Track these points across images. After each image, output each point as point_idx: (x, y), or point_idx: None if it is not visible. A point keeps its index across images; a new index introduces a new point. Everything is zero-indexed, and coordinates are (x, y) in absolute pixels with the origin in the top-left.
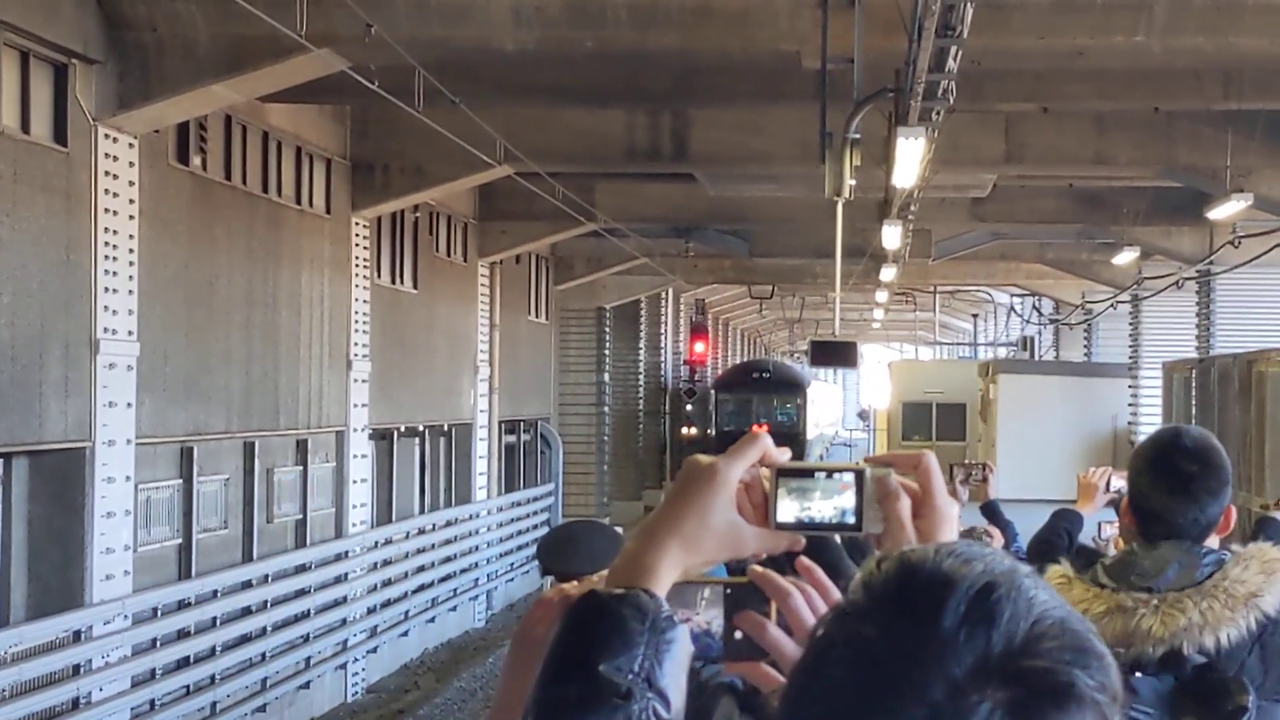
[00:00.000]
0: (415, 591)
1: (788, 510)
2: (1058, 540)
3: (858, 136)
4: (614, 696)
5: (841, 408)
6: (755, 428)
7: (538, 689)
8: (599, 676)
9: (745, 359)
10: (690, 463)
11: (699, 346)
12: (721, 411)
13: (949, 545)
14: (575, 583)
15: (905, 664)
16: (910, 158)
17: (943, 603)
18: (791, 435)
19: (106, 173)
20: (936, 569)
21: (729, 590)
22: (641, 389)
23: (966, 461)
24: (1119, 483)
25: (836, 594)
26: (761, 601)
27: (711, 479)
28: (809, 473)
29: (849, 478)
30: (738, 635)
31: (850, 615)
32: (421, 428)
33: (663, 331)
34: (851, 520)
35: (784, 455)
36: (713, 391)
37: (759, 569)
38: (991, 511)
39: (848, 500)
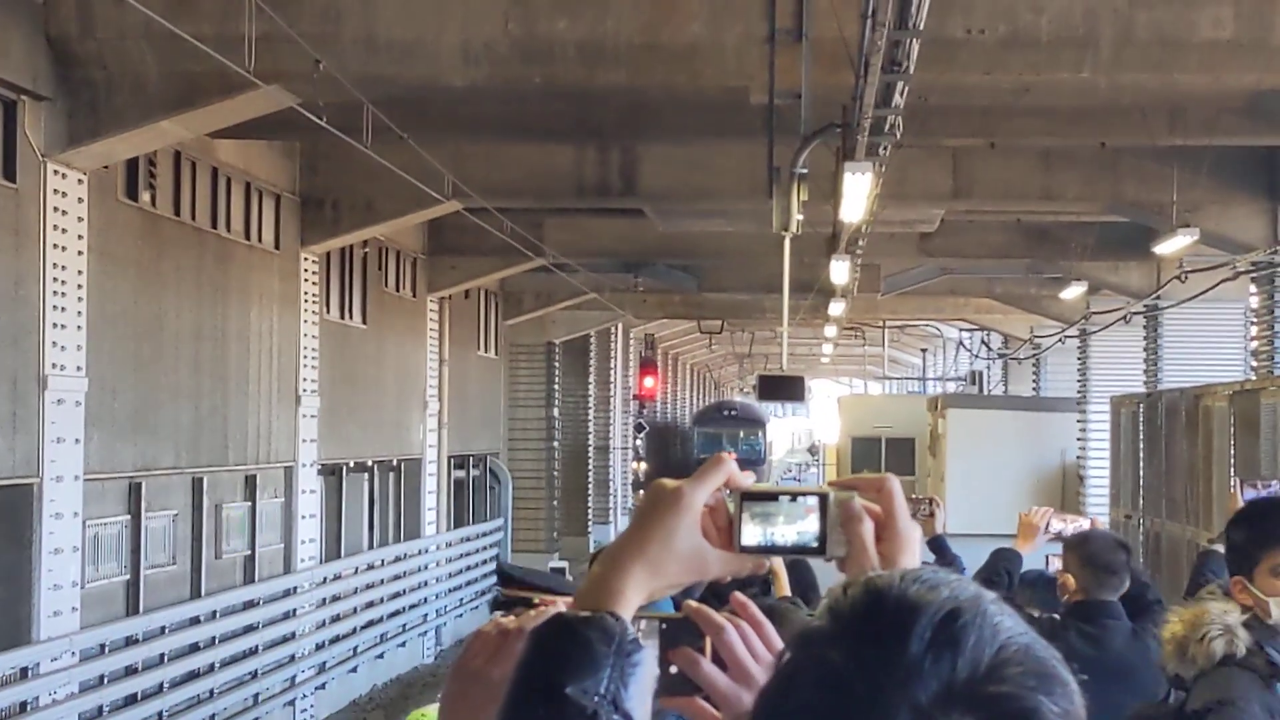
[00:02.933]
0: (364, 627)
1: (752, 534)
2: (998, 579)
3: (805, 171)
4: (580, 718)
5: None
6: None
7: (505, 711)
8: (566, 699)
9: (715, 398)
10: (655, 486)
11: (649, 381)
12: (697, 443)
13: (914, 571)
14: (512, 616)
15: (871, 690)
16: (858, 192)
17: (908, 629)
18: (756, 462)
19: (55, 208)
20: (903, 595)
21: (664, 625)
22: (591, 424)
23: (914, 496)
24: (1059, 524)
25: (771, 629)
26: (696, 637)
27: (676, 503)
28: (773, 496)
29: (813, 501)
30: (672, 670)
31: (817, 640)
32: (370, 463)
33: (612, 367)
34: (815, 544)
35: (747, 479)
36: (692, 426)
37: (694, 604)
38: (939, 547)
39: (811, 524)
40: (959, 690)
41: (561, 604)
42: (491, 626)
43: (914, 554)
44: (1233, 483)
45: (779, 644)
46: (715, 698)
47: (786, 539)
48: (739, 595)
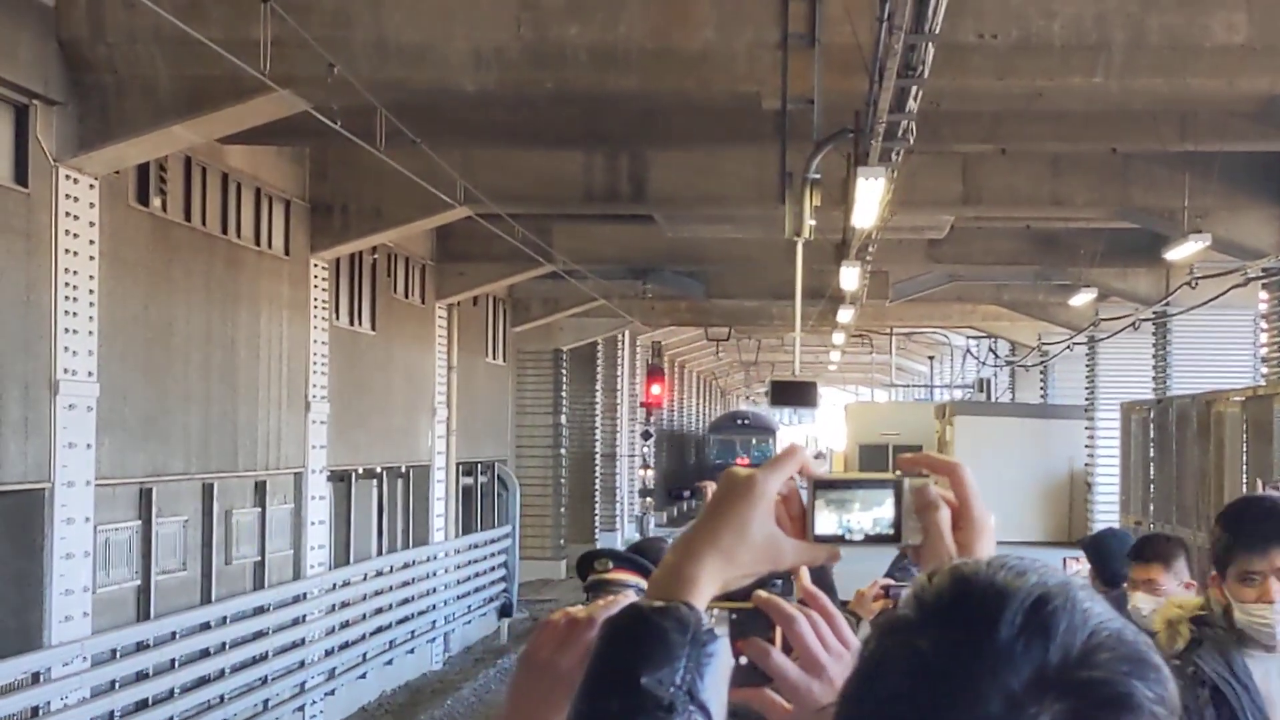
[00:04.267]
0: (373, 633)
1: (826, 522)
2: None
3: (818, 177)
4: (656, 709)
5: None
6: (740, 461)
7: (579, 701)
8: (641, 689)
9: (721, 406)
10: (728, 475)
11: (655, 389)
12: (713, 448)
13: (1000, 558)
14: (580, 606)
15: (962, 677)
16: (870, 198)
17: (998, 615)
18: None
19: (67, 213)
20: (990, 581)
21: (734, 615)
22: (598, 431)
23: None
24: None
25: (842, 620)
26: (766, 627)
27: (749, 491)
28: (847, 484)
29: (887, 487)
30: (743, 661)
31: (903, 628)
32: (379, 469)
33: (619, 374)
34: (890, 531)
35: (821, 467)
36: (707, 433)
37: (764, 594)
38: None
39: (886, 511)
40: (1051, 676)
41: (634, 597)
42: (560, 616)
43: (991, 541)
44: (1260, 486)
45: (850, 636)
46: (785, 689)
47: (861, 527)
48: (809, 585)
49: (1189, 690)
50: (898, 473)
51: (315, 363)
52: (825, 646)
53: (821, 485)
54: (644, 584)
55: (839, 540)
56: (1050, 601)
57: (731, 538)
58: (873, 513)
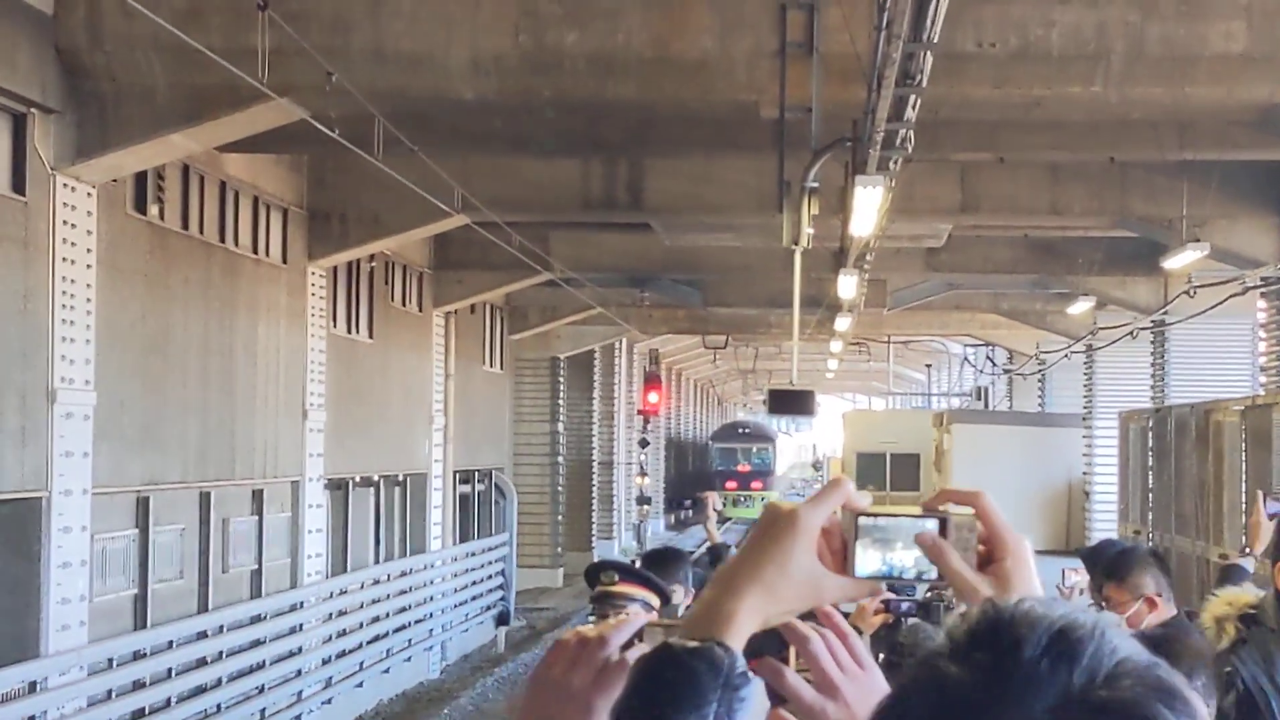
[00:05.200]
0: (370, 642)
1: (869, 560)
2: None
3: (816, 185)
4: None
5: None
6: (741, 468)
7: None
8: None
9: (719, 414)
10: (770, 508)
11: (652, 397)
12: (715, 456)
13: (1034, 597)
14: (593, 624)
15: (987, 699)
16: (869, 207)
17: (1024, 638)
18: (765, 473)
19: (65, 222)
20: (1018, 611)
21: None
22: (595, 439)
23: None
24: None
25: (857, 641)
26: (780, 646)
27: (792, 525)
28: (890, 519)
29: (933, 524)
30: None
31: (934, 656)
32: (376, 478)
33: (616, 382)
34: (934, 572)
35: (865, 500)
36: (709, 442)
37: None
38: None
39: None
40: (1075, 698)
41: (643, 614)
42: (572, 635)
43: (1030, 568)
44: (1260, 497)
45: (865, 656)
46: (800, 709)
47: (904, 564)
48: (824, 605)
49: (1220, 693)
50: (943, 508)
51: (312, 371)
52: (840, 667)
53: (864, 519)
54: (649, 597)
55: (882, 577)
56: (1077, 629)
57: (774, 572)
58: (915, 550)
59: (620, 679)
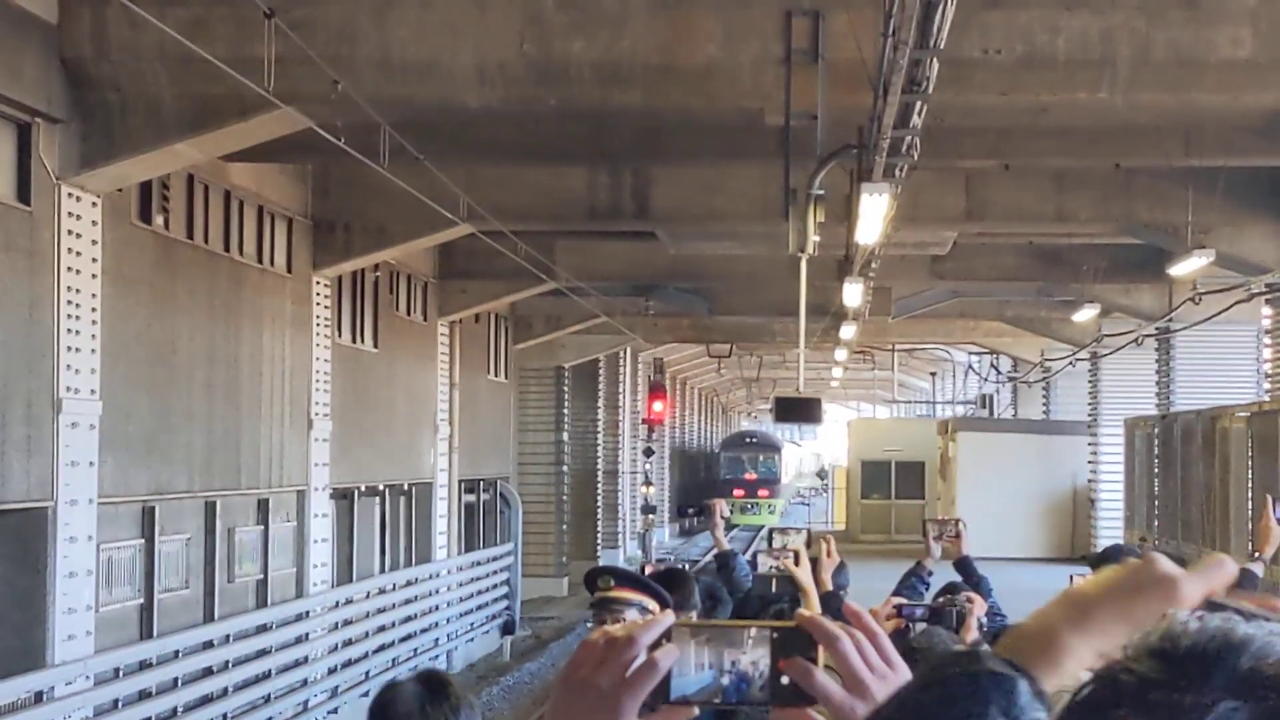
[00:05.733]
0: (376, 651)
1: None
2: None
3: (821, 192)
4: None
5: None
6: (748, 476)
7: None
8: None
9: (723, 423)
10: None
11: (657, 406)
12: (724, 464)
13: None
14: (619, 623)
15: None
16: (874, 214)
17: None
18: (772, 481)
19: (70, 231)
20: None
21: (775, 634)
22: (600, 449)
23: (940, 517)
24: None
25: (886, 640)
26: (809, 646)
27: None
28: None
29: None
30: (784, 681)
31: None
32: (382, 487)
33: (621, 391)
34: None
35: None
36: (718, 451)
37: (806, 613)
38: (965, 568)
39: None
40: (1241, 676)
41: (635, 613)
42: (599, 635)
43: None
44: (1269, 501)
45: (894, 655)
46: (829, 709)
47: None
48: (853, 605)
49: None
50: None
51: (318, 380)
52: (869, 666)
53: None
54: (647, 602)
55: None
56: (1251, 640)
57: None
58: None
59: (649, 679)
